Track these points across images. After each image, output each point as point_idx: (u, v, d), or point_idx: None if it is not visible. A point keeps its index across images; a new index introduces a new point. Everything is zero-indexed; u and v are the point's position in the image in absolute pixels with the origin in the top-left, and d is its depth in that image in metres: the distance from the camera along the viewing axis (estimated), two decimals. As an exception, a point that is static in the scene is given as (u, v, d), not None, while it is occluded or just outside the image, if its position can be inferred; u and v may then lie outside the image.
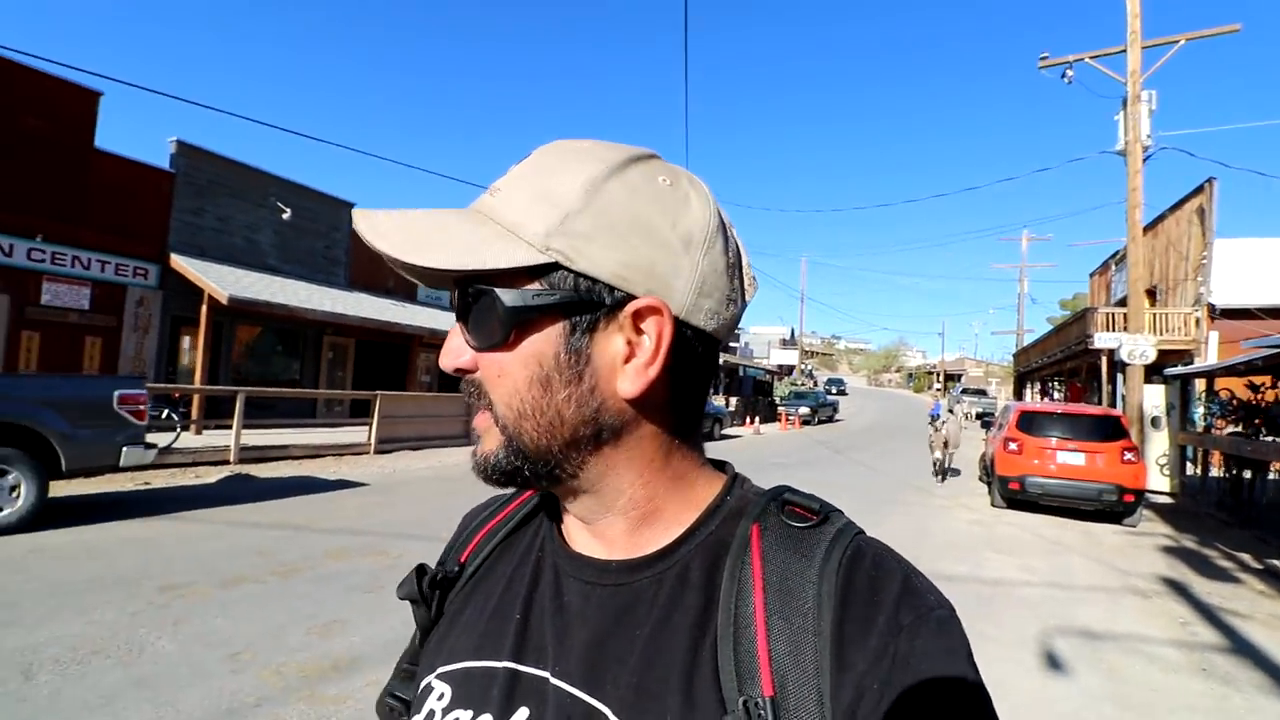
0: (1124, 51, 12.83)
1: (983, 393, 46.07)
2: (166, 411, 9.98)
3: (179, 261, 11.68)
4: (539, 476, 0.48)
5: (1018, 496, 9.24)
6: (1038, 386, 30.02)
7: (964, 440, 14.47)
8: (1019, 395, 32.11)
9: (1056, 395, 26.99)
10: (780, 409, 29.06)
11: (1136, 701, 3.58)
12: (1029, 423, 9.52)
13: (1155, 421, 11.78)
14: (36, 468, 5.54)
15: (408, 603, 0.58)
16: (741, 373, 32.99)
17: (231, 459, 9.53)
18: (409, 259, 0.43)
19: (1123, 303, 14.67)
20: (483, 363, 0.46)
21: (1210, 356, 15.31)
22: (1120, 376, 14.67)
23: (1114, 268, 23.20)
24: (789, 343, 57.08)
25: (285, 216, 13.93)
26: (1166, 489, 11.31)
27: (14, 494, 5.44)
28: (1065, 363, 22.47)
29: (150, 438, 6.52)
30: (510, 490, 0.56)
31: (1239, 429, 9.24)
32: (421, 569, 0.58)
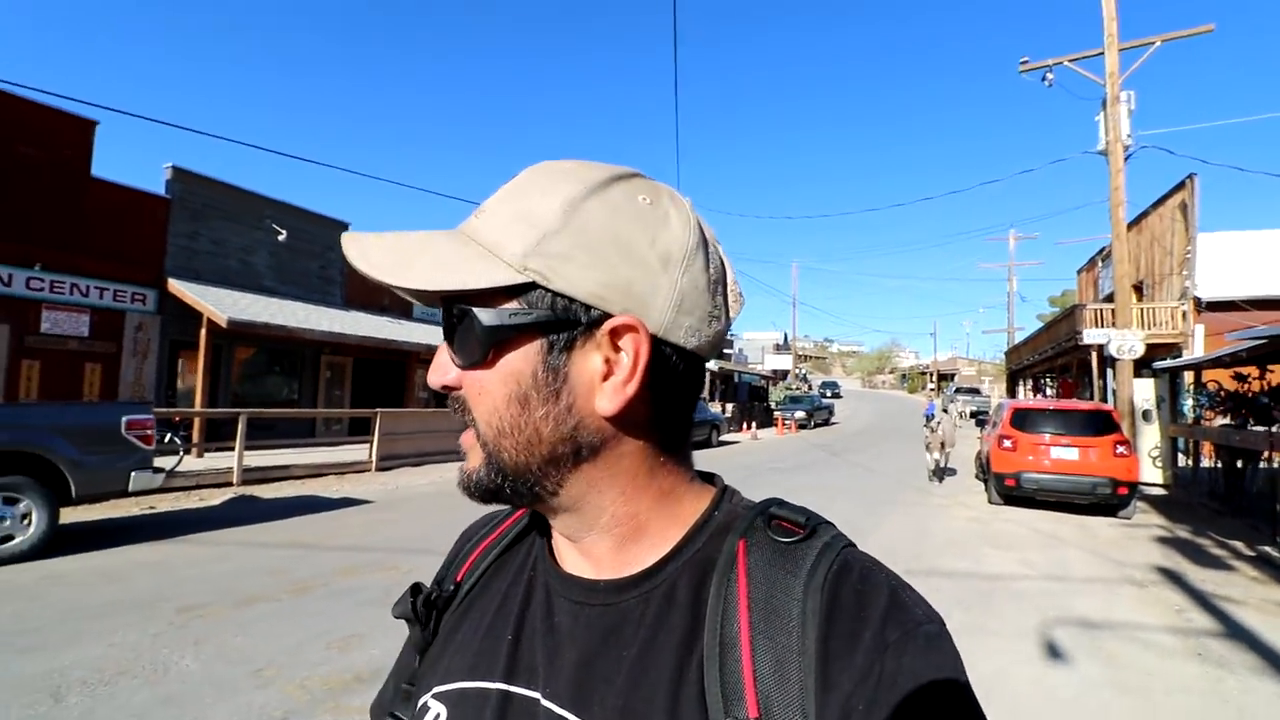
0: (1102, 54, 13.11)
1: (976, 391, 46.30)
2: (169, 435, 10.03)
3: (176, 286, 11.75)
4: (520, 494, 0.48)
5: (1014, 493, 9.38)
6: (1030, 383, 30.29)
7: (958, 439, 14.62)
8: (1012, 393, 32.38)
9: (1049, 391, 27.23)
10: (776, 414, 29.17)
11: (1134, 686, 3.69)
12: (1022, 420, 9.68)
13: (1146, 415, 11.96)
14: (47, 495, 5.60)
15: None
16: (736, 379, 33.15)
17: (235, 480, 9.58)
18: (391, 280, 0.44)
19: (1110, 298, 14.89)
20: (466, 381, 0.47)
21: (1197, 349, 15.54)
22: (1110, 371, 14.86)
23: (1101, 264, 23.50)
24: (782, 348, 57.34)
25: (280, 238, 14.02)
26: (1159, 481, 11.47)
27: (25, 521, 5.50)
28: (1056, 359, 22.71)
29: (156, 462, 6.59)
30: (505, 507, 0.57)
31: (1228, 419, 9.41)
32: (416, 588, 0.59)
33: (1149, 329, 16.35)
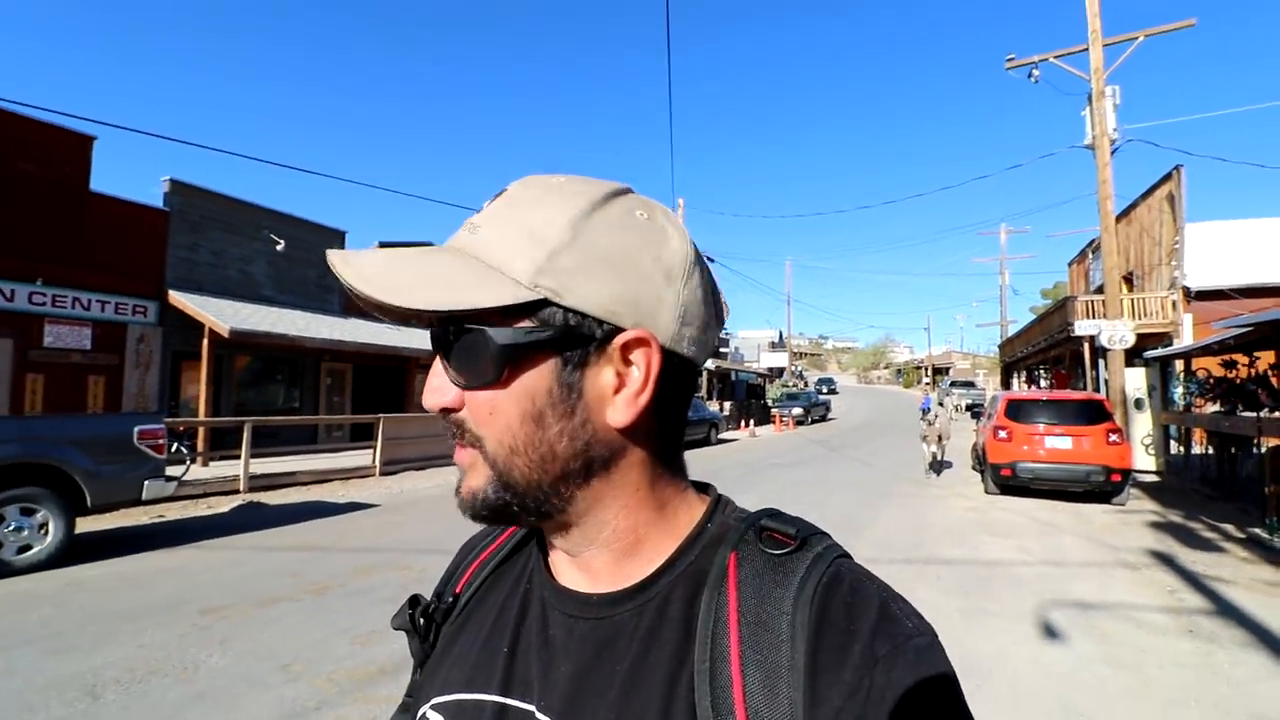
0: (1086, 50, 13.31)
1: (971, 384, 46.65)
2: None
3: (177, 297, 11.84)
4: (528, 511, 0.48)
5: (1010, 482, 9.56)
6: (1024, 375, 30.50)
7: (954, 431, 14.79)
8: (1006, 385, 32.59)
9: (1043, 383, 27.45)
10: (774, 411, 29.35)
11: (1127, 661, 3.84)
12: (1017, 411, 9.86)
13: (1138, 403, 12.16)
14: (63, 505, 5.70)
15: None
16: (734, 377, 33.33)
17: (241, 488, 9.68)
18: (395, 302, 0.42)
19: (1101, 290, 15.08)
20: (471, 400, 0.46)
21: (1186, 338, 15.76)
22: (1103, 361, 15.07)
23: (1091, 256, 23.73)
24: (778, 345, 57.52)
25: (279, 248, 14.12)
26: (1152, 468, 11.67)
27: (43, 531, 5.60)
28: (1049, 351, 22.91)
29: (167, 471, 6.69)
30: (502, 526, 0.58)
31: (1217, 406, 9.61)
32: (415, 600, 0.59)
33: (1139, 319, 16.56)
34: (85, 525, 7.03)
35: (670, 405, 0.49)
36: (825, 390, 49.89)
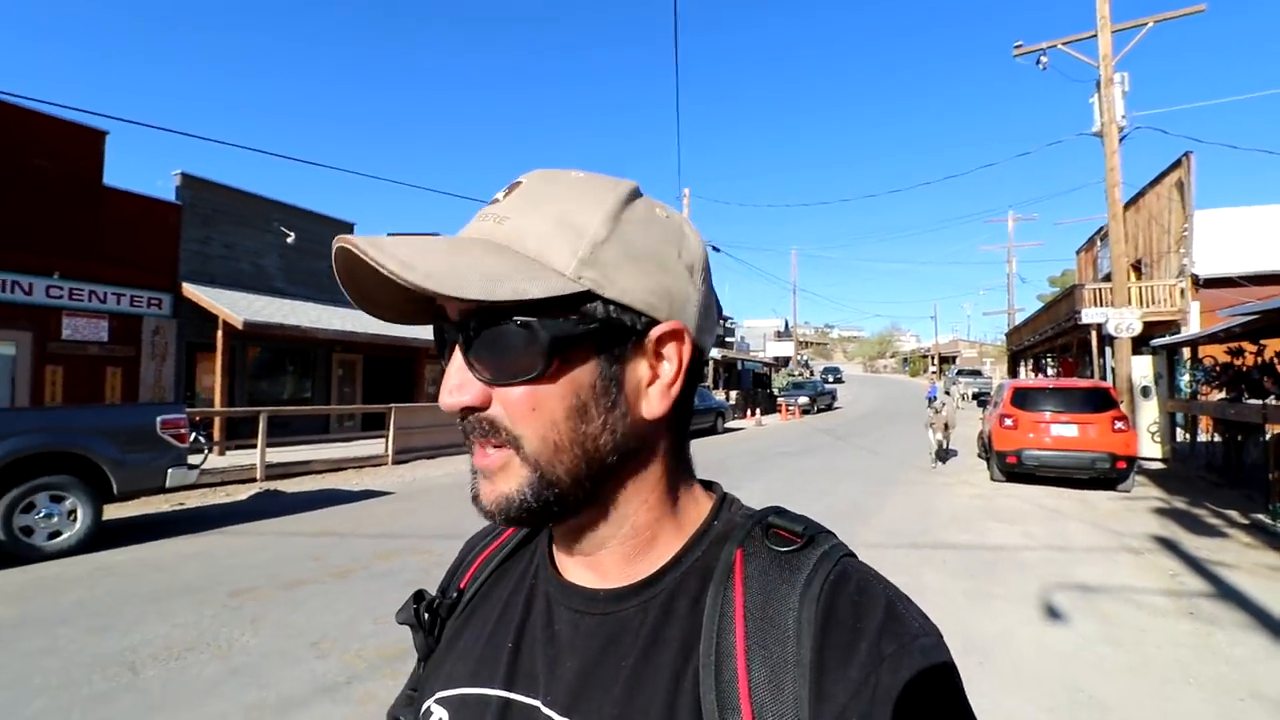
0: (1095, 36, 13.23)
1: (978, 373, 46.52)
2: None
3: (191, 290, 12.00)
4: (566, 510, 0.47)
5: (1015, 470, 9.64)
6: (1031, 364, 30.48)
7: (959, 420, 14.85)
8: (1013, 373, 32.59)
9: (1050, 371, 27.44)
10: (780, 400, 29.43)
11: (1128, 641, 3.95)
12: (1023, 399, 9.92)
13: (1145, 391, 12.20)
14: (91, 492, 5.87)
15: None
16: (740, 366, 33.42)
17: (258, 476, 9.87)
18: (445, 291, 0.40)
19: (1109, 278, 15.09)
20: (505, 397, 0.45)
21: (1193, 326, 15.75)
22: (1110, 350, 15.08)
23: (1099, 244, 23.65)
24: (783, 334, 57.55)
25: (289, 240, 14.25)
26: (1158, 455, 11.73)
27: (72, 517, 5.77)
28: (1056, 339, 22.90)
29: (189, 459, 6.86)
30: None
31: (1223, 394, 9.65)
32: (419, 595, 0.60)
33: (1147, 307, 16.56)
34: (109, 512, 7.22)
35: (687, 397, 0.50)
36: (831, 379, 49.89)
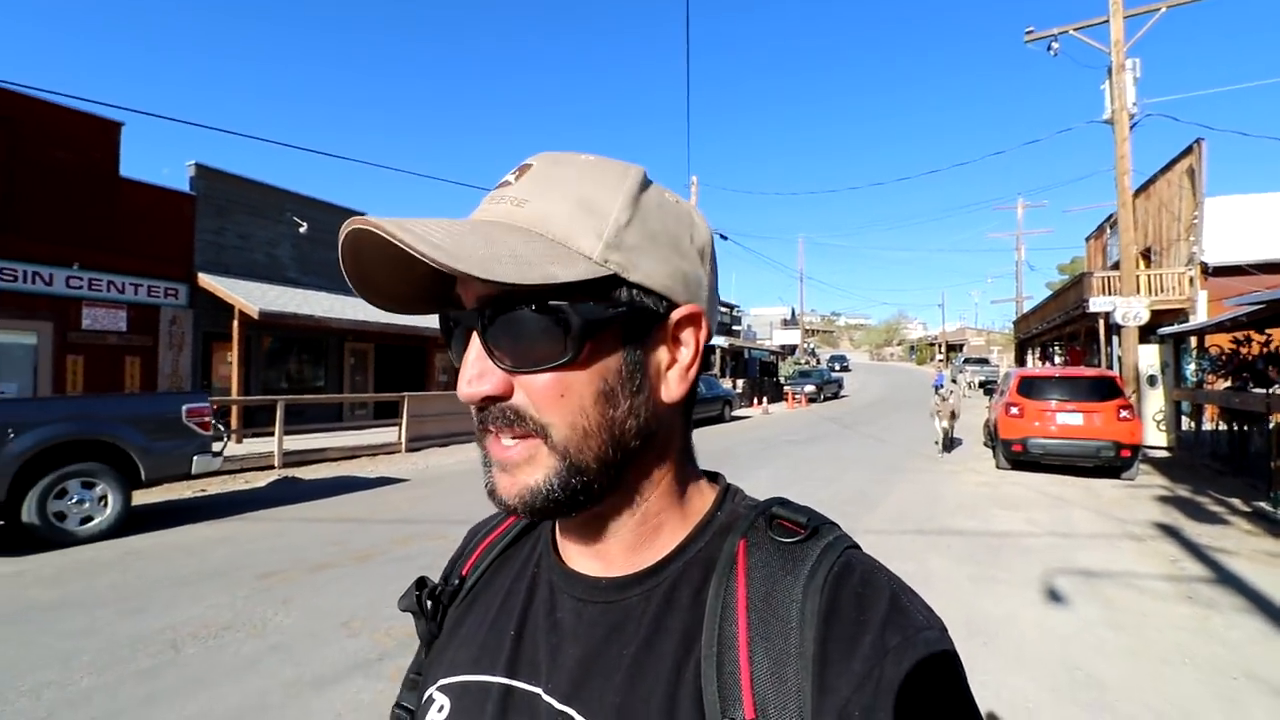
0: (1107, 22, 13.16)
1: (985, 361, 46.48)
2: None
3: (207, 280, 12.18)
4: (592, 499, 0.47)
5: (1021, 458, 9.74)
6: (1038, 352, 30.41)
7: (964, 409, 14.90)
8: (1020, 362, 32.54)
9: (1058, 360, 27.40)
10: (786, 388, 29.52)
11: (1128, 624, 4.07)
12: (1029, 387, 10.00)
13: (1151, 380, 12.26)
14: (120, 479, 6.06)
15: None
16: (746, 355, 33.52)
17: (276, 464, 10.07)
18: (477, 274, 0.39)
19: (1118, 266, 15.07)
20: (531, 385, 0.44)
21: (1200, 315, 15.74)
22: (1117, 338, 15.10)
23: (1109, 231, 23.52)
24: (790, 322, 57.50)
25: (302, 230, 14.40)
26: (1164, 444, 11.80)
27: (102, 503, 5.97)
28: (1064, 327, 22.85)
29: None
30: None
31: (1229, 383, 9.71)
32: (421, 582, 0.60)
33: (1156, 295, 16.51)
34: (135, 499, 7.43)
35: (697, 382, 0.50)
36: (838, 367, 49.83)
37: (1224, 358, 9.82)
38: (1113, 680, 3.33)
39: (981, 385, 34.04)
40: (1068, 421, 9.44)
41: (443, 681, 0.53)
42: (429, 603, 0.59)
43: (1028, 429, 9.61)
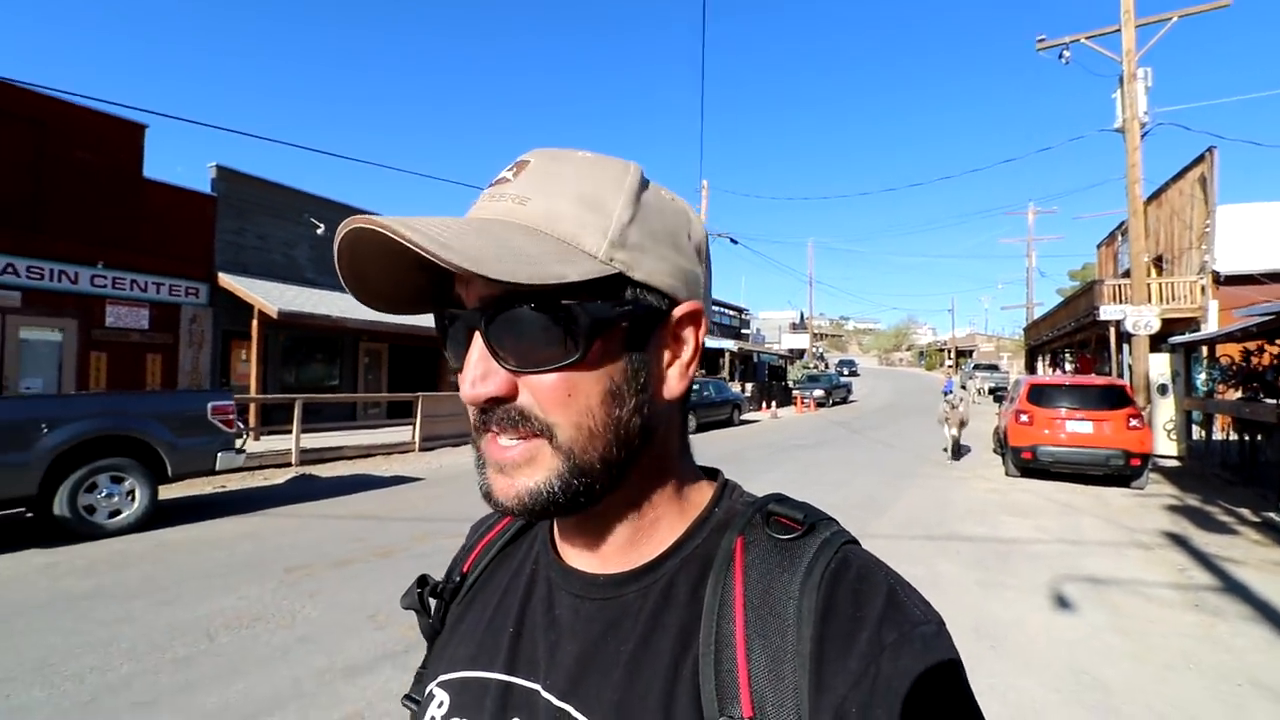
0: (1118, 31, 13.18)
1: (995, 368, 46.29)
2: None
3: (227, 280, 12.40)
4: (593, 499, 0.46)
5: (1030, 465, 9.78)
6: (1049, 359, 30.31)
7: (971, 415, 14.91)
8: (1031, 369, 32.42)
9: (1068, 367, 27.31)
10: (795, 392, 29.55)
11: (1134, 631, 4.14)
12: (1039, 395, 10.04)
13: (1162, 389, 12.25)
14: (148, 474, 6.23)
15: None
16: (755, 359, 33.55)
17: (293, 461, 10.25)
18: (486, 273, 0.38)
19: (1129, 274, 15.07)
20: (537, 384, 0.44)
21: (1211, 324, 15.70)
22: (1128, 346, 15.10)
23: (1121, 238, 23.46)
24: (799, 326, 57.50)
25: (319, 232, 14.63)
26: (1174, 453, 11.80)
27: (130, 497, 6.14)
28: (1075, 335, 22.79)
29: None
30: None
31: (1239, 393, 9.73)
32: (423, 580, 0.60)
33: (1167, 303, 16.50)
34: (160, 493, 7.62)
35: (693, 379, 0.50)
36: (847, 372, 49.77)
37: (1235, 368, 9.83)
38: (1118, 684, 3.41)
39: (991, 392, 33.90)
40: (1077, 429, 9.48)
41: (442, 677, 0.54)
42: (430, 600, 0.60)
43: (1037, 436, 9.66)
